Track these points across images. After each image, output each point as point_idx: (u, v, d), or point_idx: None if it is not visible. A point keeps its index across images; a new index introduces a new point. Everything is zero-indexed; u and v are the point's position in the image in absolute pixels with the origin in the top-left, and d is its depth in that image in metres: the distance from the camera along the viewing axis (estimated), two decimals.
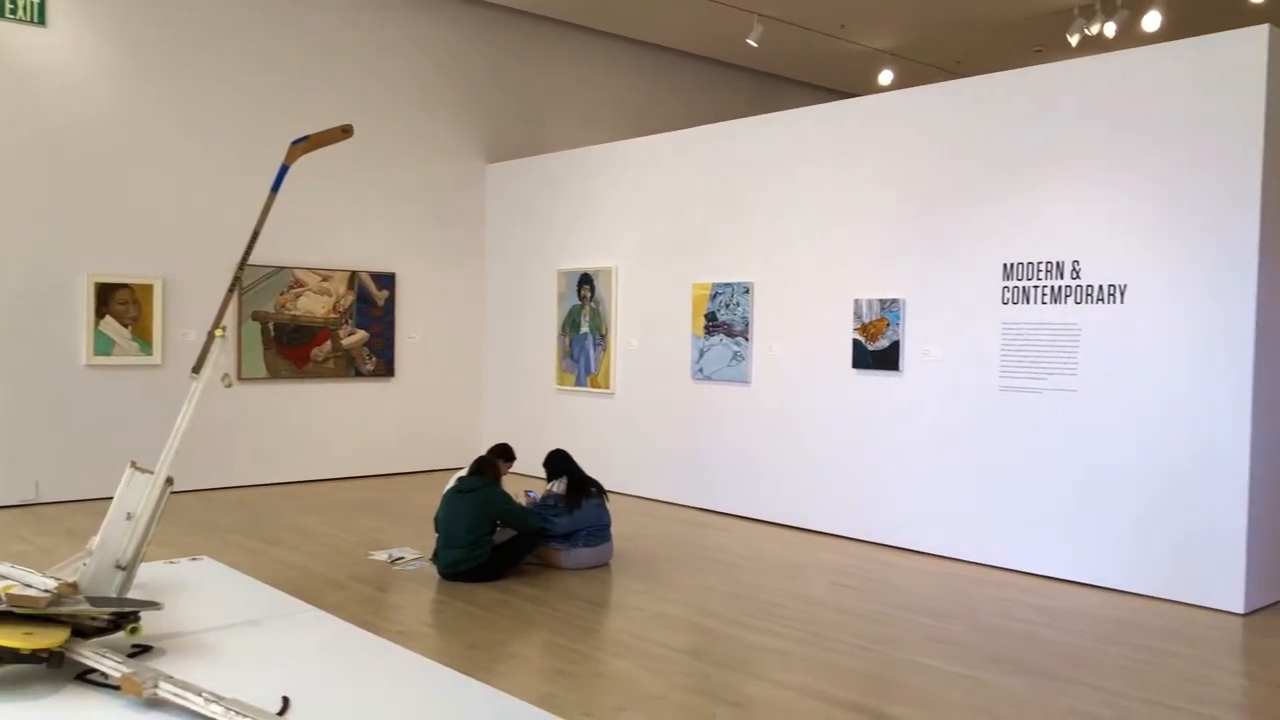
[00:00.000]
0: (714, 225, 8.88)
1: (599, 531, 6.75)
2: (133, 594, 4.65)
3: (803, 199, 8.19)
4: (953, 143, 7.22)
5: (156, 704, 3.68)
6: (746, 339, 8.54)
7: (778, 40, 11.93)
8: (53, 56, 8.54)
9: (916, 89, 7.66)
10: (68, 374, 8.60)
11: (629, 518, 8.12)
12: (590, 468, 7.15)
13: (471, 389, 11.22)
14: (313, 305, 9.94)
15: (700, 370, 8.91)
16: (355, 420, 10.29)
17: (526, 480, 8.88)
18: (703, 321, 8.89)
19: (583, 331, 10.05)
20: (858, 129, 7.89)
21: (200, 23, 9.25)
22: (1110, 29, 10.43)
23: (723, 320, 8.73)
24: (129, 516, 4.55)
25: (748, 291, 8.53)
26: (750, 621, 5.55)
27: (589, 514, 6.71)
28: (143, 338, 8.91)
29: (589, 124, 11.98)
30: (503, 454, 6.93)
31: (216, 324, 4.86)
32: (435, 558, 6.41)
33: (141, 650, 4.32)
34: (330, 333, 10.09)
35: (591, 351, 9.97)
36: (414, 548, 7.07)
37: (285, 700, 3.76)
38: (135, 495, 4.58)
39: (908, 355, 7.44)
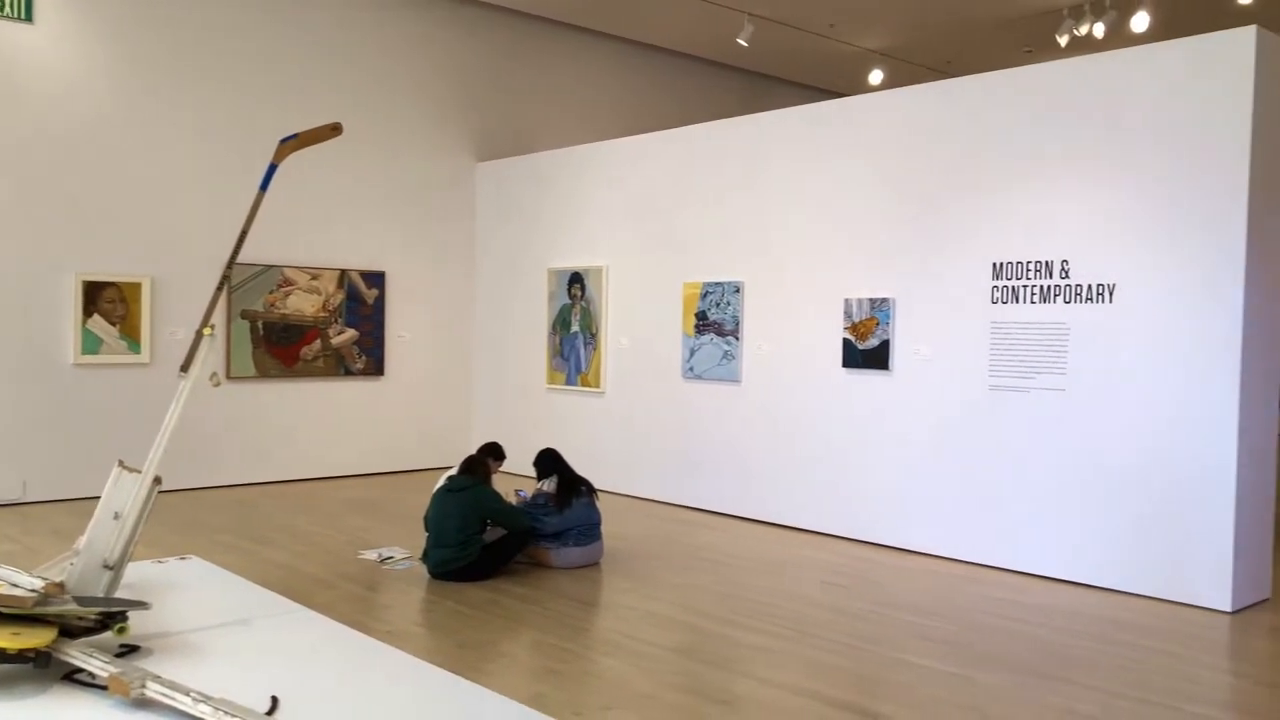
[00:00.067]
0: (704, 224, 8.88)
1: (589, 530, 6.75)
2: (120, 594, 4.62)
3: (793, 198, 8.19)
4: (942, 143, 7.24)
5: (144, 704, 3.66)
6: (737, 338, 8.55)
7: (768, 40, 11.94)
8: (40, 54, 8.50)
9: (907, 89, 7.68)
10: (55, 373, 8.56)
11: (619, 517, 8.12)
12: (580, 467, 7.14)
13: (461, 388, 11.21)
14: (302, 304, 9.92)
15: (691, 369, 8.92)
16: (345, 419, 10.27)
17: (516, 479, 8.87)
18: (693, 320, 8.89)
19: (573, 330, 10.05)
20: (848, 129, 7.90)
21: (189, 20, 9.21)
22: (1099, 30, 10.47)
23: (713, 319, 8.73)
24: (116, 516, 4.52)
25: (738, 291, 8.54)
26: (740, 620, 5.56)
27: (579, 513, 6.70)
28: (131, 336, 8.87)
29: (580, 123, 11.97)
30: (492, 453, 6.92)
31: (205, 322, 4.84)
32: (425, 557, 6.39)
33: (129, 650, 4.29)
34: (320, 331, 10.07)
35: (582, 350, 9.96)
36: (403, 547, 7.05)
37: (274, 700, 3.75)
38: (123, 494, 4.56)
39: (898, 354, 7.45)
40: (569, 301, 10.09)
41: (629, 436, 9.48)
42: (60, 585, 4.18)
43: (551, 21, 11.76)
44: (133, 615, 4.31)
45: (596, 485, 7.03)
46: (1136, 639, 5.35)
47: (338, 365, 10.20)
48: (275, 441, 9.80)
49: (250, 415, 9.63)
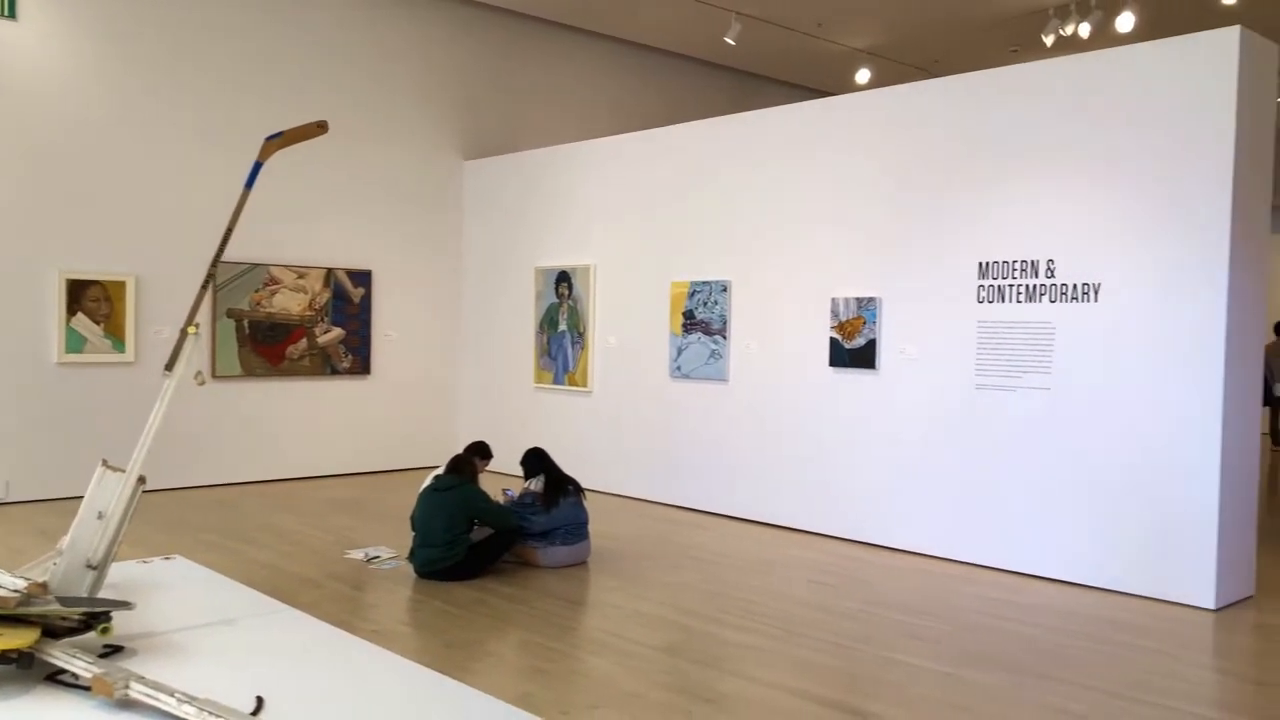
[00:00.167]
0: (692, 223, 8.88)
1: (576, 530, 6.74)
2: (104, 594, 4.60)
3: (780, 197, 8.20)
4: (929, 142, 7.26)
5: (128, 705, 3.64)
6: (724, 337, 8.55)
7: (756, 39, 11.95)
8: (23, 50, 8.43)
9: (893, 88, 7.69)
10: (38, 372, 8.50)
11: (606, 516, 8.11)
12: (568, 466, 7.14)
13: (448, 387, 11.18)
14: (288, 303, 9.87)
15: (678, 368, 8.92)
16: (331, 418, 10.23)
17: (504, 478, 8.86)
18: (680, 319, 8.89)
19: (560, 329, 10.03)
20: (835, 128, 7.91)
21: (175, 17, 9.16)
22: (1085, 29, 10.52)
23: (700, 318, 8.73)
24: (100, 515, 4.50)
25: (725, 290, 8.54)
26: (727, 619, 5.56)
27: (566, 512, 6.70)
28: (115, 335, 8.82)
29: (567, 121, 11.96)
30: (479, 452, 6.91)
31: (189, 321, 4.82)
32: (411, 556, 6.37)
33: (113, 650, 4.27)
34: (306, 330, 10.02)
35: (569, 349, 9.95)
36: (390, 546, 7.03)
37: (259, 700, 3.73)
38: (107, 494, 4.53)
39: (884, 353, 7.47)
40: (556, 300, 10.07)
41: (616, 436, 9.47)
42: (43, 585, 4.16)
43: (539, 20, 11.74)
44: (116, 615, 4.29)
45: (584, 484, 7.02)
46: (1122, 637, 5.37)
47: (324, 364, 10.16)
48: (261, 441, 9.75)
49: (236, 414, 9.58)
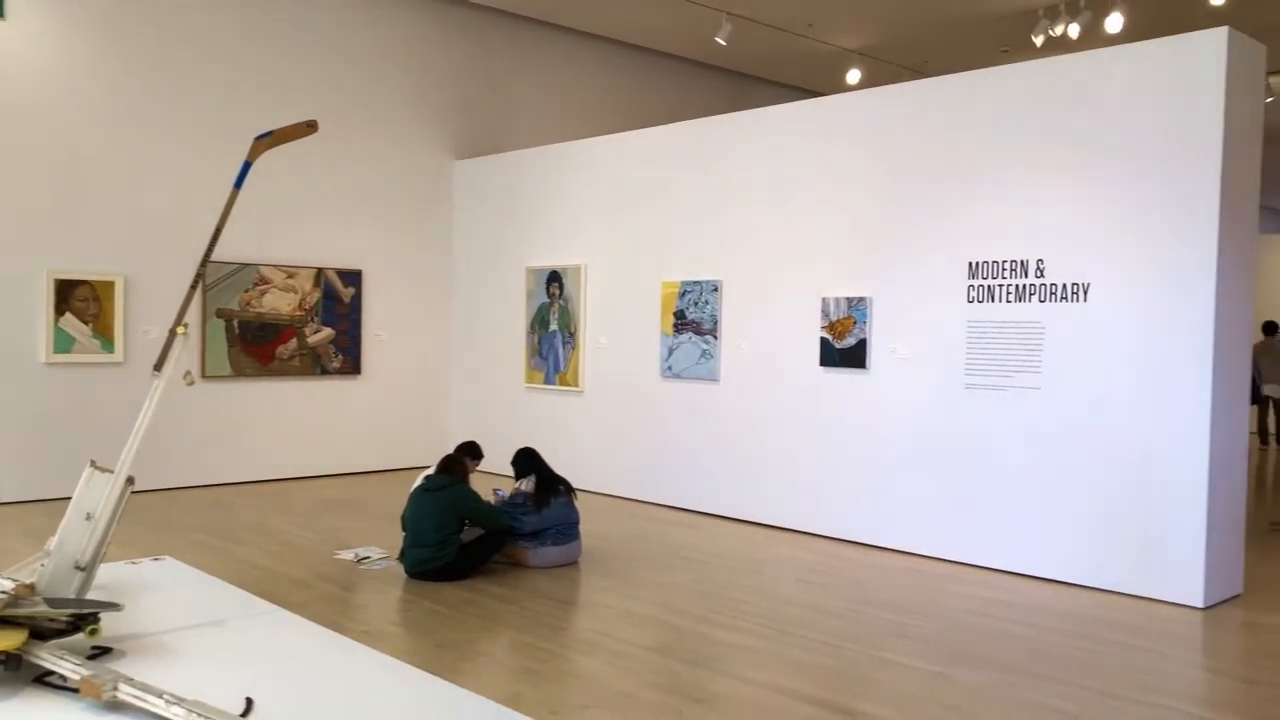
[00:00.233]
0: (683, 223, 8.88)
1: (567, 530, 6.73)
2: (92, 595, 4.58)
3: (771, 197, 8.21)
4: (919, 142, 7.27)
5: (116, 706, 3.63)
6: (715, 337, 8.56)
7: (746, 39, 11.96)
8: (11, 50, 8.39)
9: (884, 88, 7.71)
10: (26, 372, 8.46)
11: (597, 516, 8.11)
12: (559, 466, 7.13)
13: (439, 387, 11.16)
14: (278, 302, 9.85)
15: (669, 368, 8.92)
16: (321, 419, 10.20)
17: (494, 479, 8.85)
18: (671, 319, 8.89)
19: (551, 329, 10.03)
20: (826, 128, 7.92)
21: (164, 16, 9.13)
22: (1074, 30, 10.55)
23: (691, 318, 8.74)
24: (88, 516, 4.48)
25: (716, 290, 8.55)
26: (718, 619, 5.56)
27: (557, 512, 6.69)
28: (104, 335, 8.78)
29: (558, 121, 11.95)
30: (470, 452, 6.90)
31: (178, 321, 4.80)
32: (402, 557, 6.36)
33: (101, 652, 4.26)
34: (296, 330, 10.00)
35: (560, 349, 9.95)
36: (380, 547, 7.02)
37: (248, 701, 3.72)
38: (95, 495, 4.52)
39: (875, 353, 7.48)
40: (547, 300, 10.07)
41: (607, 435, 9.47)
42: (31, 587, 4.14)
43: (530, 20, 11.73)
44: (105, 617, 4.27)
45: (575, 484, 7.02)
46: (1112, 635, 5.39)
47: (314, 364, 10.14)
48: (251, 441, 9.73)
49: (226, 415, 9.55)
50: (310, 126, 5.35)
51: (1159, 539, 6.06)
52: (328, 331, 10.22)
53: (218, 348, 9.47)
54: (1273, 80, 11.62)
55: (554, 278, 10.00)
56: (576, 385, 9.78)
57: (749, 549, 7.38)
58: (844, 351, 7.65)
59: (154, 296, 8.97)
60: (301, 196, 9.97)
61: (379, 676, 4.31)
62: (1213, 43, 5.93)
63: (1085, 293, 6.39)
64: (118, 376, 8.81)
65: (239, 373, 9.61)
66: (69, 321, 8.61)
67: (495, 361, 10.67)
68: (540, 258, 10.20)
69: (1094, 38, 10.41)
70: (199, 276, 5.04)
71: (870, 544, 7.46)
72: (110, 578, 5.33)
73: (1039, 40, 10.74)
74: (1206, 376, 5.91)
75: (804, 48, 12.71)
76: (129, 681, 3.67)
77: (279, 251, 9.86)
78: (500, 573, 6.41)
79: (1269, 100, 9.29)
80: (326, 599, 5.80)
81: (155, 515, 7.96)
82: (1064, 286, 6.48)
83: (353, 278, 10.37)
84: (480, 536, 6.37)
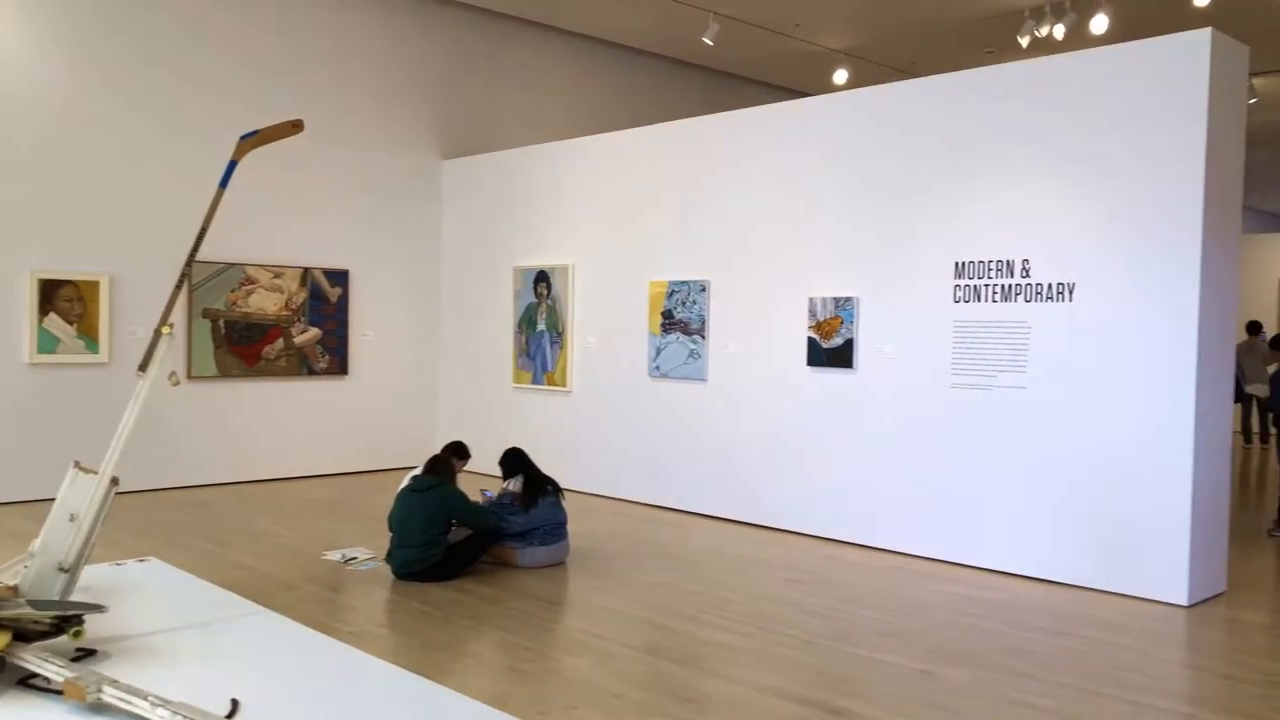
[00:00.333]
0: (671, 223, 8.89)
1: (555, 530, 6.73)
2: (77, 597, 4.55)
3: (758, 197, 8.22)
4: (906, 142, 7.29)
5: (101, 709, 3.61)
6: (703, 337, 8.56)
7: (733, 39, 11.97)
8: None
9: (871, 88, 7.73)
10: (9, 372, 8.40)
11: (585, 516, 8.11)
12: (547, 466, 7.13)
13: (426, 387, 11.14)
14: (264, 302, 9.81)
15: (657, 368, 8.92)
16: (308, 419, 10.17)
17: (482, 479, 8.84)
18: (659, 319, 8.90)
19: (539, 329, 10.02)
20: (813, 128, 7.94)
21: (149, 13, 9.08)
22: (1060, 31, 10.59)
23: (679, 318, 8.74)
24: (72, 518, 4.45)
25: (704, 289, 8.55)
26: (705, 618, 5.57)
27: (545, 512, 6.69)
28: (88, 335, 8.73)
29: (546, 121, 11.94)
30: (457, 452, 6.89)
31: (163, 321, 4.77)
32: (389, 557, 6.35)
33: (85, 654, 4.23)
34: (282, 330, 9.96)
35: (548, 349, 9.94)
36: (368, 548, 7.00)
37: (234, 703, 3.70)
38: (79, 496, 4.48)
39: (862, 353, 7.50)
40: (535, 300, 10.06)
41: (595, 435, 9.47)
42: (14, 588, 4.11)
43: (518, 19, 11.71)
44: (89, 618, 4.24)
45: (562, 484, 7.02)
46: (1096, 634, 5.42)
47: (301, 364, 10.10)
48: (237, 442, 9.69)
49: (212, 415, 9.51)
50: (296, 126, 5.33)
51: (1143, 537, 6.10)
52: (314, 332, 10.19)
53: (204, 348, 9.43)
54: (1256, 81, 11.70)
55: (542, 277, 9.99)
56: (564, 385, 9.77)
57: (736, 548, 7.39)
58: (831, 351, 7.67)
59: (139, 296, 8.92)
60: (288, 196, 9.93)
61: (366, 678, 4.29)
62: (1197, 44, 5.97)
63: (1070, 293, 6.42)
64: (102, 377, 8.77)
65: (225, 373, 9.58)
66: (53, 321, 8.55)
67: (483, 361, 10.66)
68: (528, 257, 10.19)
69: (1079, 39, 10.46)
70: (184, 276, 5.01)
71: (857, 543, 7.48)
72: (95, 579, 5.29)
73: (1025, 41, 10.78)
74: (1190, 375, 5.95)
75: (791, 48, 12.73)
76: (114, 684, 3.64)
77: (265, 251, 9.82)
78: (488, 573, 6.41)
79: (1252, 101, 9.36)
80: (313, 600, 5.78)
81: (140, 516, 7.92)
82: (1049, 286, 6.51)
83: (340, 277, 10.34)
84: (468, 537, 6.36)
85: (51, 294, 8.54)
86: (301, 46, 10.03)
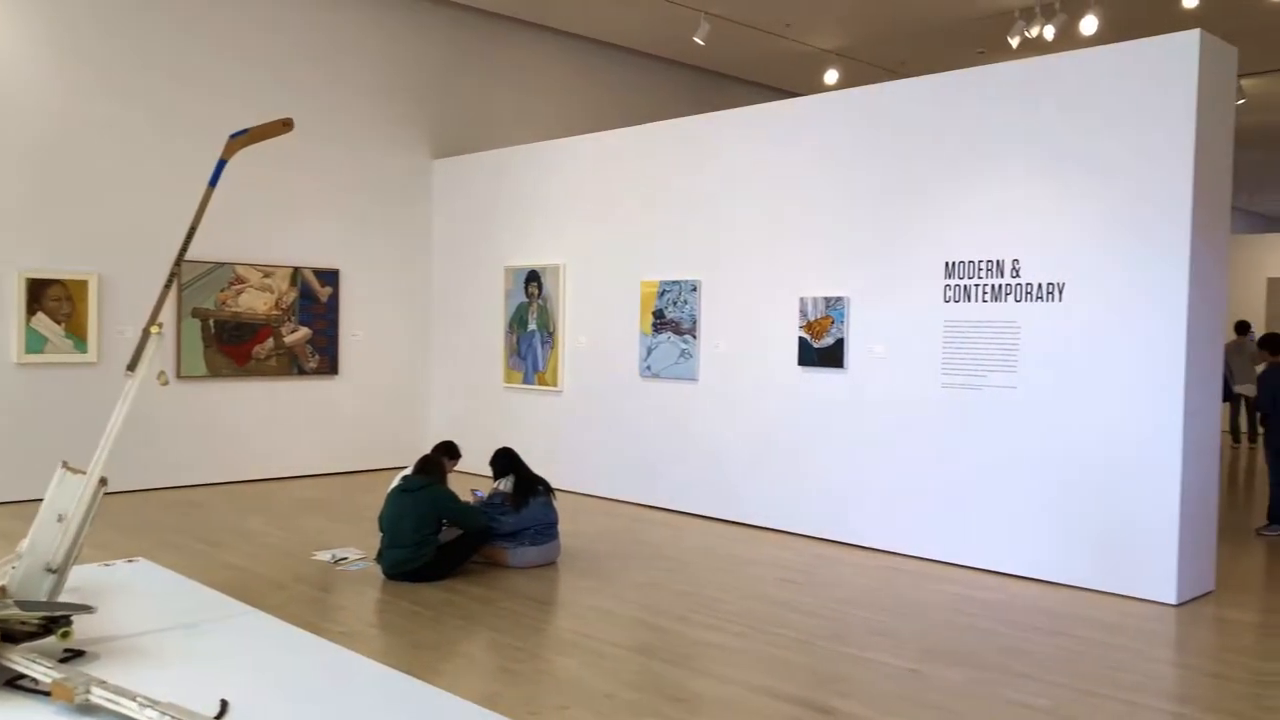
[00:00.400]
0: (661, 223, 8.89)
1: (546, 530, 6.72)
2: (65, 598, 4.53)
3: (749, 197, 8.23)
4: (896, 142, 7.30)
5: (89, 710, 3.60)
6: (694, 336, 8.57)
7: (724, 39, 11.98)
8: None
9: (861, 89, 7.74)
10: None
11: (576, 516, 8.10)
12: (537, 466, 7.12)
13: (417, 387, 11.12)
14: (254, 302, 9.78)
15: (648, 368, 8.92)
16: (298, 419, 10.14)
17: (473, 479, 8.82)
18: (650, 319, 8.90)
19: (530, 329, 10.01)
20: (803, 128, 7.95)
21: (142, 14, 9.04)
22: (1049, 32, 10.63)
23: (670, 318, 8.74)
24: (60, 518, 4.43)
25: (695, 289, 8.56)
26: (697, 618, 5.57)
27: (536, 512, 6.68)
28: (77, 335, 8.69)
29: (536, 120, 11.93)
30: (447, 451, 6.87)
31: (152, 321, 4.76)
32: (379, 558, 6.33)
33: (73, 655, 4.22)
34: (272, 330, 9.93)
35: (539, 349, 9.93)
36: (358, 548, 6.98)
37: (223, 704, 3.69)
38: (67, 496, 4.47)
39: (852, 352, 7.51)
40: (526, 300, 10.05)
41: (586, 435, 9.46)
42: (2, 589, 4.09)
43: (509, 19, 11.70)
44: (77, 619, 4.23)
45: (553, 484, 7.01)
46: (1086, 633, 5.44)
47: (291, 364, 10.07)
48: (227, 441, 9.65)
49: (202, 415, 9.47)
50: (286, 125, 5.32)
51: (1133, 537, 6.12)
52: (304, 331, 10.16)
53: (193, 347, 9.39)
54: (1244, 82, 11.75)
55: (533, 277, 9.98)
56: (555, 385, 9.76)
57: (727, 548, 7.39)
58: (822, 351, 7.67)
59: (128, 296, 8.88)
60: (278, 195, 9.90)
61: (356, 678, 4.28)
62: (1186, 45, 5.99)
63: (1060, 292, 6.44)
64: (91, 377, 8.72)
65: (215, 373, 9.54)
66: (41, 321, 8.51)
67: (474, 361, 10.64)
68: (519, 257, 10.18)
69: (1069, 39, 10.49)
70: (173, 275, 4.99)
71: (849, 543, 7.49)
72: (83, 580, 5.27)
73: (1015, 42, 10.81)
74: (1179, 375, 5.97)
75: (782, 48, 12.74)
76: (102, 684, 3.63)
77: (255, 250, 9.79)
78: (478, 573, 6.40)
79: (1241, 102, 9.40)
80: (303, 600, 5.77)
81: (129, 517, 7.88)
82: (1039, 286, 6.53)
83: (330, 277, 10.31)
84: (458, 537, 6.35)
85: (39, 293, 8.50)
86: (292, 45, 10.00)
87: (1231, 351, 12.66)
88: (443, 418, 10.91)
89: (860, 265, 7.48)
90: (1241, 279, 15.85)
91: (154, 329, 4.73)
